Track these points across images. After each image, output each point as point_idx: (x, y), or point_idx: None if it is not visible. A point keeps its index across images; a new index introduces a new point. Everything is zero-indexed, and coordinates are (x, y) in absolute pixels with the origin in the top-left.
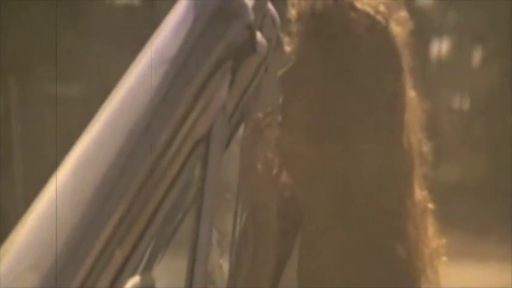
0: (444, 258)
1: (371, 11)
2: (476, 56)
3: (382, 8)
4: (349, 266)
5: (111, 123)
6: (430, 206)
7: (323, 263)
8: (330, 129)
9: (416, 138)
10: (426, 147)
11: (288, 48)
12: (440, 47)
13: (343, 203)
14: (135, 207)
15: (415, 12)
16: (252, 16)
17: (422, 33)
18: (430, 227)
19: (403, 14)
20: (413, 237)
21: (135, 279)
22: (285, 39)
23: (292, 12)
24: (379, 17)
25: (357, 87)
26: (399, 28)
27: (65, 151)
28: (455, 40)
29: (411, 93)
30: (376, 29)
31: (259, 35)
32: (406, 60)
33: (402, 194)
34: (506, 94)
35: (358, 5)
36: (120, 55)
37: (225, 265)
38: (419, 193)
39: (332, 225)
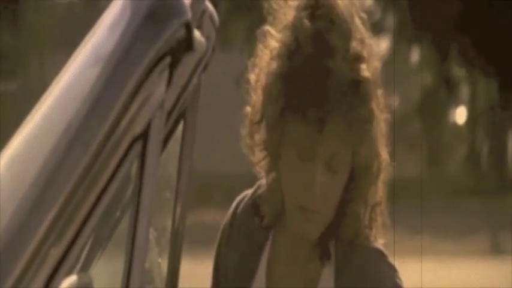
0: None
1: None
2: (413, 56)
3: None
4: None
5: (46, 120)
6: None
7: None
8: None
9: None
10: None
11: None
12: (378, 48)
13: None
14: (71, 205)
15: None
16: (189, 14)
17: None
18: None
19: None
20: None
21: (72, 279)
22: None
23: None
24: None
25: None
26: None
27: (0, 147)
28: (391, 40)
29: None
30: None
31: (197, 33)
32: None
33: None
34: (440, 94)
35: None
36: (59, 52)
37: (164, 264)
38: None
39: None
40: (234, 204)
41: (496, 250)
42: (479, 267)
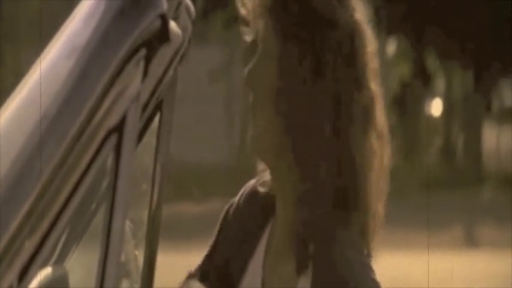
0: None
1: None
2: (390, 48)
3: None
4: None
5: (20, 112)
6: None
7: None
8: (299, 123)
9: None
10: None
11: (248, 38)
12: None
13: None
14: (45, 197)
15: None
16: (165, 5)
17: None
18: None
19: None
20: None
21: (47, 271)
22: (245, 28)
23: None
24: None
25: (326, 78)
26: (359, 15)
27: None
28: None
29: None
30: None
31: (173, 24)
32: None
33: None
34: (417, 85)
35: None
36: (33, 44)
37: (140, 256)
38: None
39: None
40: (243, 188)
41: (471, 243)
42: (453, 260)
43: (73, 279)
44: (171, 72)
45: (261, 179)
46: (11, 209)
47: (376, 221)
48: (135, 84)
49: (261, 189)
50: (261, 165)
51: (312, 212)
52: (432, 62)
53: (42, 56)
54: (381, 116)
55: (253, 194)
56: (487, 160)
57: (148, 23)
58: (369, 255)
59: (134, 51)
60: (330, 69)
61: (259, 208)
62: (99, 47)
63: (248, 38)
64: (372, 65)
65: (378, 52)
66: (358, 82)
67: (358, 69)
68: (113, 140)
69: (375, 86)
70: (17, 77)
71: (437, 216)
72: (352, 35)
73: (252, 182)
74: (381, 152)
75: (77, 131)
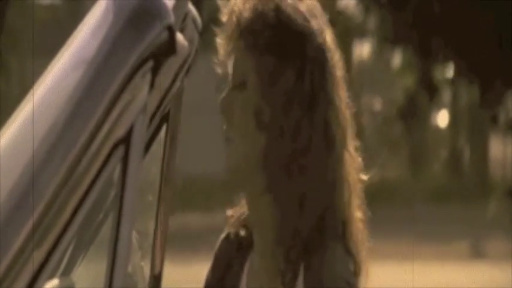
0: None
1: (302, 20)
2: (396, 59)
3: (311, 14)
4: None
5: (28, 123)
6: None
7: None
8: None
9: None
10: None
11: (220, 69)
12: (361, 51)
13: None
14: (53, 208)
15: (335, 16)
16: (172, 17)
17: (343, 36)
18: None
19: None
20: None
21: (54, 282)
22: (217, 58)
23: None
24: (312, 25)
25: (297, 107)
26: (329, 33)
27: None
28: (376, 44)
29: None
30: (310, 40)
31: (180, 36)
32: (339, 66)
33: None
34: (422, 97)
35: (285, 15)
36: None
37: (147, 267)
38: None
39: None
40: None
41: (477, 254)
42: (460, 272)
43: None
44: (177, 83)
45: (238, 218)
46: (19, 220)
47: (360, 236)
48: (142, 95)
49: (234, 233)
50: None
51: (293, 242)
52: (439, 74)
53: (50, 67)
54: (350, 130)
55: (227, 239)
56: (493, 171)
57: (156, 35)
58: (356, 273)
59: (141, 63)
60: (309, 82)
61: (235, 250)
62: (106, 59)
63: (220, 69)
64: (340, 73)
65: (380, 64)
66: (332, 95)
67: (330, 79)
68: (120, 151)
69: (344, 95)
70: (23, 87)
71: (443, 228)
72: (323, 45)
73: (225, 231)
74: (354, 167)
75: (85, 142)
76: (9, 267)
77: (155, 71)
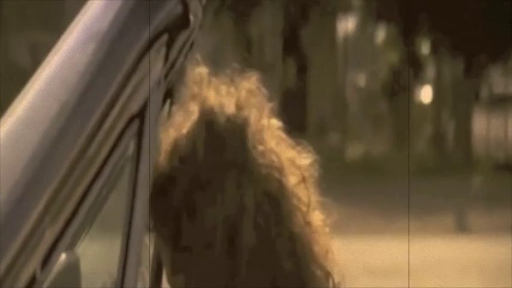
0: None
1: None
2: (380, 36)
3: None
4: None
5: (41, 98)
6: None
7: None
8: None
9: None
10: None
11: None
12: (346, 27)
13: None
14: (68, 183)
15: None
16: None
17: (327, 13)
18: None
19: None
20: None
21: (61, 257)
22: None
23: None
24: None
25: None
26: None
27: None
28: (360, 20)
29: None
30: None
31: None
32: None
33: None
34: (406, 73)
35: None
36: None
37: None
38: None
39: None
40: None
41: (461, 228)
42: (443, 246)
43: (83, 265)
44: (181, 58)
45: None
46: (33, 197)
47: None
48: (156, 70)
49: None
50: None
51: None
52: (422, 49)
53: (60, 41)
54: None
55: None
56: (476, 146)
57: (171, 8)
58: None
59: (157, 37)
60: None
61: None
62: (121, 32)
63: None
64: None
65: (365, 40)
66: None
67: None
68: (135, 126)
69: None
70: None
71: (427, 202)
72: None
73: None
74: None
75: (99, 117)
76: (25, 241)
77: (170, 45)
